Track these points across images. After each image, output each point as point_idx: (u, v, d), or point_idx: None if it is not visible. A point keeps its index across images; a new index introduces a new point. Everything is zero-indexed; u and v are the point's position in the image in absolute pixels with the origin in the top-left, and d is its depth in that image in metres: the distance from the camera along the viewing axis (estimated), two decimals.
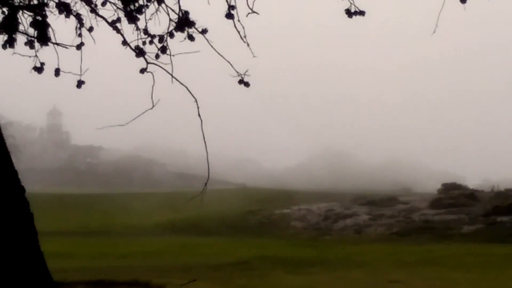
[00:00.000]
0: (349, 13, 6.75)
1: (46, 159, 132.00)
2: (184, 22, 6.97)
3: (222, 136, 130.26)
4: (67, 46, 7.10)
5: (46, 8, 6.99)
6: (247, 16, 6.78)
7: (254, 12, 6.74)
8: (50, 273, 6.44)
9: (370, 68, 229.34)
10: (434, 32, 6.65)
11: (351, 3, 6.69)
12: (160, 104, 6.93)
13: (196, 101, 6.81)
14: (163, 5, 7.02)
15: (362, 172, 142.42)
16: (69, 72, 7.10)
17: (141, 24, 7.12)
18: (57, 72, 7.16)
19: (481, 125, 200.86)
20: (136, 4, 7.03)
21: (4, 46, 6.95)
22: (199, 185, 7.34)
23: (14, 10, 6.89)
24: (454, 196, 45.06)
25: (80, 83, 7.21)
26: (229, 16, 6.82)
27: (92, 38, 7.17)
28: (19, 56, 7.02)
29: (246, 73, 6.94)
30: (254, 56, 6.89)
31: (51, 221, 39.14)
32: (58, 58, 7.14)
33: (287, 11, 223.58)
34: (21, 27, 6.97)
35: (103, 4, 7.03)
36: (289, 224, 42.53)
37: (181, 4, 6.96)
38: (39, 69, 7.17)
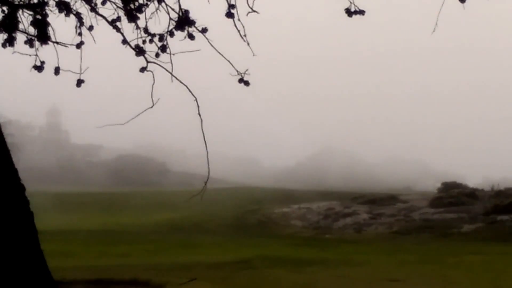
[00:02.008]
0: (348, 12, 6.75)
1: (46, 157, 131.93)
2: (184, 21, 6.97)
3: (222, 135, 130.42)
4: (67, 45, 7.10)
5: (46, 7, 6.99)
6: (247, 15, 6.79)
7: (254, 11, 6.74)
8: (50, 272, 6.44)
9: (370, 68, 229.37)
10: (434, 31, 6.66)
11: (350, 2, 6.70)
12: (160, 103, 6.94)
13: (196, 100, 6.82)
14: (163, 4, 7.03)
15: (362, 170, 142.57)
16: (69, 71, 7.11)
17: (141, 23, 7.13)
18: (56, 70, 7.16)
19: (481, 124, 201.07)
20: (136, 3, 7.03)
21: (4, 45, 6.96)
22: (199, 184, 7.33)
23: (14, 9, 6.89)
24: (454, 195, 45.06)
25: (80, 82, 7.21)
26: (229, 15, 6.82)
27: (92, 37, 7.18)
28: (18, 55, 7.02)
29: (246, 72, 6.95)
30: (254, 55, 6.90)
31: (51, 219, 39.12)
32: (58, 57, 7.15)
33: (288, 9, 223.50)
34: (21, 26, 6.97)
35: (103, 3, 7.04)
36: (289, 223, 42.52)
37: (181, 3, 6.96)
38: (39, 68, 7.18)
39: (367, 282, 15.46)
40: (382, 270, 17.56)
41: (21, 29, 6.98)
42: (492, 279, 15.87)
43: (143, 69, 7.06)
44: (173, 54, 7.08)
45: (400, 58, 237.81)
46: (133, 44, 7.09)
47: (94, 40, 7.18)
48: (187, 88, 6.82)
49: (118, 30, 7.07)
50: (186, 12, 6.98)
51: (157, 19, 7.03)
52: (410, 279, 15.75)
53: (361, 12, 6.73)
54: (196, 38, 6.97)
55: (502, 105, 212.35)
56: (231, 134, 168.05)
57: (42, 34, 6.98)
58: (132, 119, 6.98)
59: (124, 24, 7.08)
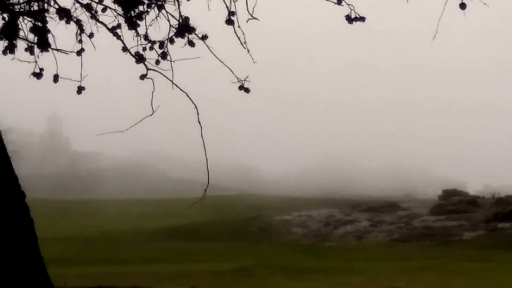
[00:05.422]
0: (349, 19, 6.75)
1: (46, 165, 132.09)
2: (184, 28, 6.97)
3: (222, 142, 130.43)
4: (67, 52, 7.10)
5: (46, 14, 6.99)
6: (247, 22, 6.79)
7: (254, 18, 6.75)
8: (50, 279, 6.43)
9: (370, 73, 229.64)
10: (434, 38, 6.65)
11: (351, 9, 6.70)
12: (160, 110, 6.93)
13: (196, 107, 6.81)
14: (163, 11, 7.03)
15: (362, 178, 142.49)
16: (68, 79, 7.09)
17: (141, 30, 7.12)
18: (55, 78, 7.14)
19: (482, 131, 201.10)
20: (137, 10, 7.03)
21: (4, 52, 6.95)
22: (199, 192, 7.32)
23: (14, 16, 6.89)
24: (455, 202, 45.01)
25: (80, 89, 7.21)
26: (229, 22, 6.82)
27: (93, 44, 7.17)
28: (19, 62, 7.02)
29: (247, 79, 6.94)
30: (254, 62, 6.90)
31: (51, 227, 39.10)
32: (57, 64, 7.14)
33: (289, 16, 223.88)
34: (21, 33, 6.97)
35: (104, 10, 7.04)
36: (290, 231, 42.46)
37: (181, 10, 6.97)
38: (38, 75, 7.16)
39: None
40: (383, 278, 17.53)
41: (21, 36, 6.98)
42: (493, 286, 15.84)
43: (143, 76, 7.05)
44: (173, 61, 7.08)
45: (401, 66, 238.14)
46: (133, 51, 7.09)
47: (95, 47, 7.18)
48: (187, 95, 6.82)
49: (118, 37, 7.07)
50: (186, 19, 6.98)
51: (158, 26, 7.04)
52: (410, 287, 15.72)
53: (362, 19, 6.72)
54: (196, 45, 6.97)
55: (503, 113, 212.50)
56: (231, 142, 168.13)
57: (43, 41, 6.98)
58: (132, 126, 6.97)
59: (125, 31, 7.08)
